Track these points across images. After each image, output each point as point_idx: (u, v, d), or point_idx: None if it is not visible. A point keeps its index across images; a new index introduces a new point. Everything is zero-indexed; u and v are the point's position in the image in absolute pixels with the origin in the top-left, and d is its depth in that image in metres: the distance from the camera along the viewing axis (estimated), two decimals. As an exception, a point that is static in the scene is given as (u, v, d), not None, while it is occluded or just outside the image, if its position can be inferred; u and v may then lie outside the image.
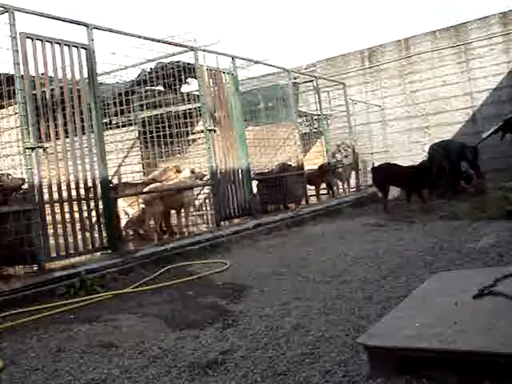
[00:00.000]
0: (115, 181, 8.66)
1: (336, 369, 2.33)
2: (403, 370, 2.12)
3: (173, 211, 7.75)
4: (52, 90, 5.21)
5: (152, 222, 7.22)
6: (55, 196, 5.12)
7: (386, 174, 8.80)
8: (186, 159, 9.32)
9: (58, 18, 5.49)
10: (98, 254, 5.55)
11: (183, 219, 7.62)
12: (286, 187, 9.33)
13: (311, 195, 10.84)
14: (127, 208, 7.47)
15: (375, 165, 10.34)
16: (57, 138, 5.24)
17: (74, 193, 5.31)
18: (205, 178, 7.77)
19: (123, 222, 7.45)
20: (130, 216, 7.51)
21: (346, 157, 12.18)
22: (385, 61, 15.90)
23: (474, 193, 8.75)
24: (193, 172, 7.68)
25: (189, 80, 9.45)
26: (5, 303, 4.08)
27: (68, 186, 5.25)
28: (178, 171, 7.90)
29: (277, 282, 4.31)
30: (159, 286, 4.56)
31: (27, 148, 4.90)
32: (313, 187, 11.28)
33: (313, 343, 2.70)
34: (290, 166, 9.66)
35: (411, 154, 15.55)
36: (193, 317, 3.50)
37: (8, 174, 5.44)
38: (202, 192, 9.67)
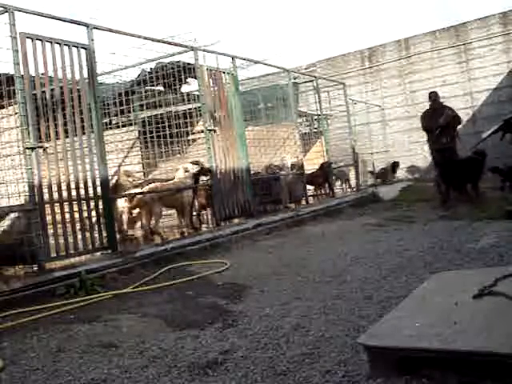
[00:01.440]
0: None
1: (336, 369, 2.33)
2: (403, 370, 2.12)
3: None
4: (52, 90, 5.21)
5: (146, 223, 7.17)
6: (55, 196, 5.13)
7: (454, 167, 8.65)
8: (186, 159, 9.32)
9: (58, 18, 5.49)
10: (98, 254, 5.55)
11: (182, 220, 7.55)
12: (274, 189, 9.29)
13: (310, 195, 10.87)
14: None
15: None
16: (57, 138, 5.25)
17: (74, 193, 5.31)
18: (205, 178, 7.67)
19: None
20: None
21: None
22: (385, 61, 15.91)
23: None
24: (187, 171, 7.32)
25: (189, 80, 9.45)
26: (5, 303, 4.07)
27: (68, 186, 5.25)
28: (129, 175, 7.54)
29: (277, 281, 4.31)
30: (159, 285, 4.56)
31: (27, 148, 4.90)
32: (312, 187, 11.32)
33: (313, 343, 2.70)
34: (278, 166, 9.55)
35: (411, 154, 15.57)
36: (193, 317, 3.50)
37: None
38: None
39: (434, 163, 9.12)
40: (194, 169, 7.41)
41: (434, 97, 9.38)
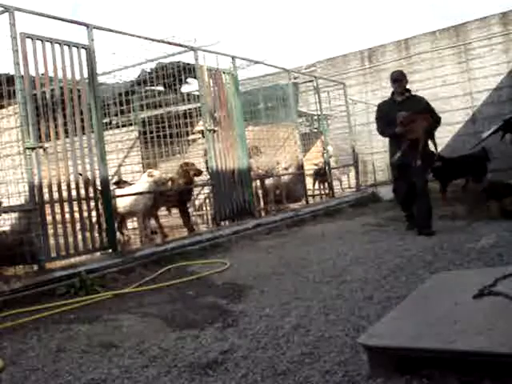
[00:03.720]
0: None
1: (336, 369, 2.33)
2: (403, 370, 2.12)
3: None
4: (52, 90, 5.21)
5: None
6: (55, 196, 5.13)
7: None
8: (186, 159, 9.32)
9: (59, 18, 5.49)
10: (98, 254, 5.55)
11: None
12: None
13: (310, 195, 10.88)
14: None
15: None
16: (57, 138, 5.25)
17: (74, 193, 5.32)
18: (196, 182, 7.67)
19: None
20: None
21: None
22: (385, 61, 15.91)
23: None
24: (151, 176, 6.92)
25: (189, 80, 9.46)
26: (5, 303, 4.08)
27: (68, 185, 5.25)
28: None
29: (277, 281, 4.31)
30: (159, 285, 4.56)
31: (27, 148, 4.90)
32: (311, 187, 11.35)
33: (313, 343, 2.70)
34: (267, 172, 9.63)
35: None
36: (193, 317, 3.50)
37: None
38: (202, 192, 9.68)
39: (393, 189, 6.63)
40: (157, 176, 6.93)
41: (400, 79, 6.06)
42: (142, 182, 6.99)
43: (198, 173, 7.63)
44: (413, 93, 6.35)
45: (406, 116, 5.77)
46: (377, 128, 6.38)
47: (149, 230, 7.16)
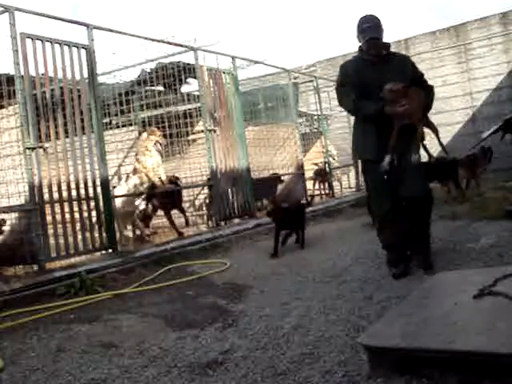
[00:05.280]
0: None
1: (336, 369, 2.33)
2: (403, 370, 2.12)
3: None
4: (52, 90, 5.21)
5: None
6: (55, 196, 5.12)
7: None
8: (186, 159, 9.32)
9: (59, 18, 5.49)
10: (98, 254, 5.55)
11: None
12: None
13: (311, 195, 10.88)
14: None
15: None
16: (57, 138, 5.25)
17: (74, 193, 5.31)
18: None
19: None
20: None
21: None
22: (385, 61, 15.88)
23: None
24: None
25: (189, 80, 9.46)
26: (5, 303, 4.07)
27: (68, 186, 5.25)
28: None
29: (277, 281, 4.31)
30: (159, 285, 4.56)
31: (27, 148, 4.90)
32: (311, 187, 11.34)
33: (313, 343, 2.70)
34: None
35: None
36: (193, 317, 3.50)
37: None
38: (202, 192, 9.67)
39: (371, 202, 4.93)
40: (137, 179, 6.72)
41: (376, 36, 3.92)
42: (124, 184, 6.83)
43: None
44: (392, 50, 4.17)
45: (395, 88, 3.73)
46: (339, 100, 4.10)
47: (134, 232, 7.03)
